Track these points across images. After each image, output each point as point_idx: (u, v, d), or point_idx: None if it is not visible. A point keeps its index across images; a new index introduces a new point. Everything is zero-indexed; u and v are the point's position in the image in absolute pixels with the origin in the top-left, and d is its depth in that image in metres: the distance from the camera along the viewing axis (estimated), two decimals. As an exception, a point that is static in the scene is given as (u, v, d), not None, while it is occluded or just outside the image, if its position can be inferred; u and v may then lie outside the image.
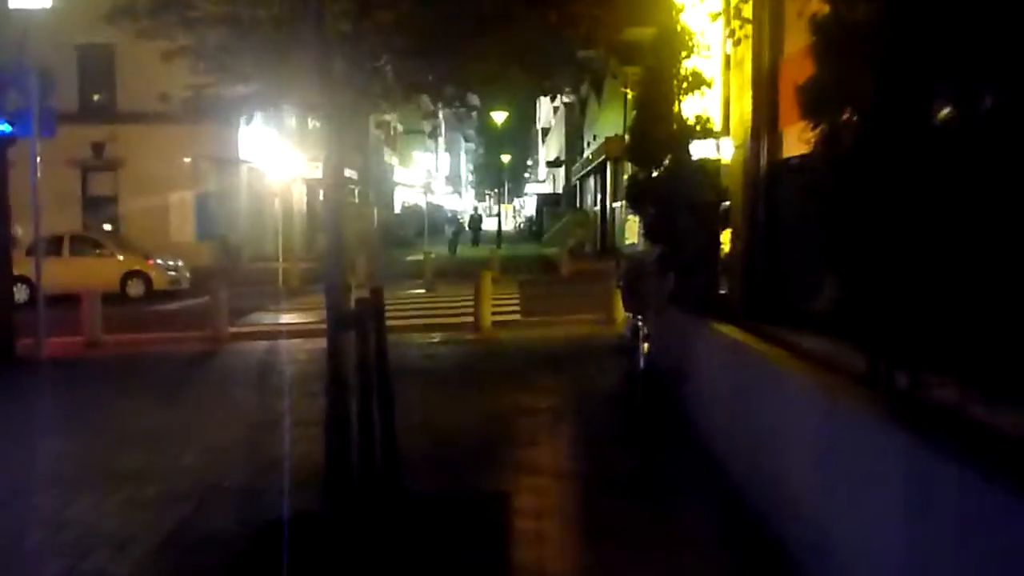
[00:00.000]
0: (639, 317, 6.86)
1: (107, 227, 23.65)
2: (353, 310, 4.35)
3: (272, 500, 4.98)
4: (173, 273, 20.59)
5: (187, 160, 23.76)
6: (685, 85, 7.70)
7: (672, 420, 6.40)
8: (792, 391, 4.18)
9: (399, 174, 62.12)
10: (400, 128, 66.36)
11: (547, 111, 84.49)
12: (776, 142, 6.51)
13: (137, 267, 20.10)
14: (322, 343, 10.17)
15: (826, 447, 3.67)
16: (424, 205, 63.44)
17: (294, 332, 12.56)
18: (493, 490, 5.18)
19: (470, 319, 11.96)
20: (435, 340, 11.04)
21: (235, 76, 5.75)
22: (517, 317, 13.42)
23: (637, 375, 6.55)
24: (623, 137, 24.40)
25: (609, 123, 26.83)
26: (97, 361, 10.81)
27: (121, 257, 20.22)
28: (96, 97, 23.76)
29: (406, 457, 5.45)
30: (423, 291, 19.49)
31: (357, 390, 4.19)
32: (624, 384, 7.34)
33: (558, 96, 68.46)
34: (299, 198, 34.07)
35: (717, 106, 8.28)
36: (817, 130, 3.90)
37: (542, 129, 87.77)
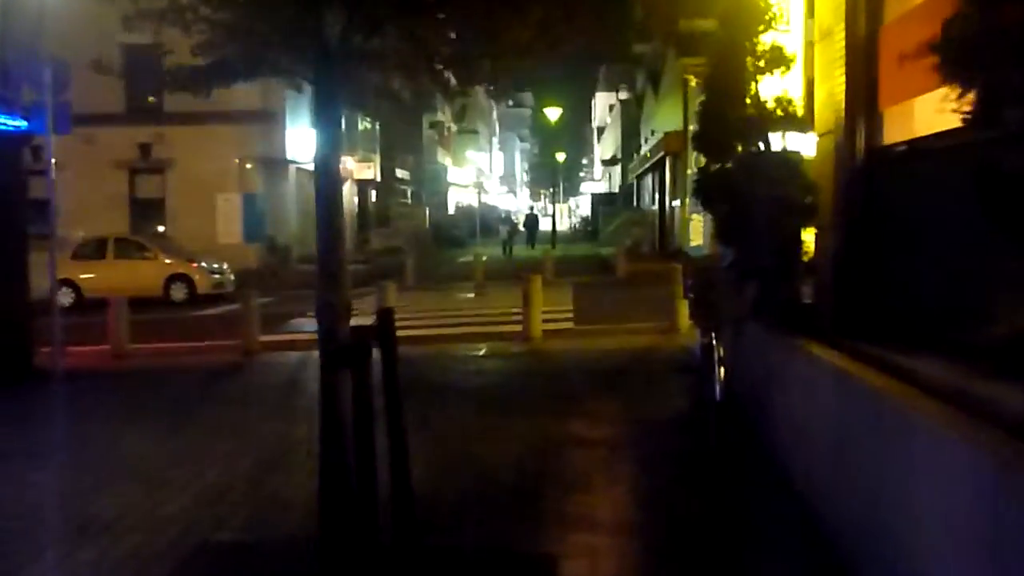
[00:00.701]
0: (712, 334, 5.78)
1: (161, 229, 23.32)
2: (349, 343, 3.41)
3: (269, 563, 4.09)
4: (218, 276, 20.08)
5: (235, 161, 23.27)
6: (762, 63, 6.62)
7: (755, 463, 5.31)
8: (934, 447, 3.12)
9: (453, 174, 61.52)
10: (454, 128, 65.80)
11: (602, 109, 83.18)
12: (875, 126, 5.38)
13: (180, 270, 19.64)
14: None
15: (993, 533, 2.61)
16: (477, 205, 62.96)
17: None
18: (535, 551, 4.20)
19: (519, 327, 10.99)
20: (480, 352, 10.09)
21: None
22: (570, 325, 12.39)
23: (711, 407, 5.47)
24: (682, 132, 23.20)
25: (667, 118, 25.63)
26: (118, 375, 10.12)
27: (166, 260, 19.78)
28: (147, 98, 23.36)
29: (432, 502, 4.51)
30: (472, 295, 18.60)
31: (355, 438, 3.25)
32: (694, 412, 6.29)
33: (614, 92, 67.05)
34: (350, 199, 33.52)
35: (798, 88, 7.19)
36: (965, 97, 2.86)
37: (597, 128, 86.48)
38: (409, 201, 44.01)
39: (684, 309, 10.51)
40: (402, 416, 3.63)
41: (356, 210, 34.61)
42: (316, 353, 10.64)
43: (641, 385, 7.81)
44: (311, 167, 15.64)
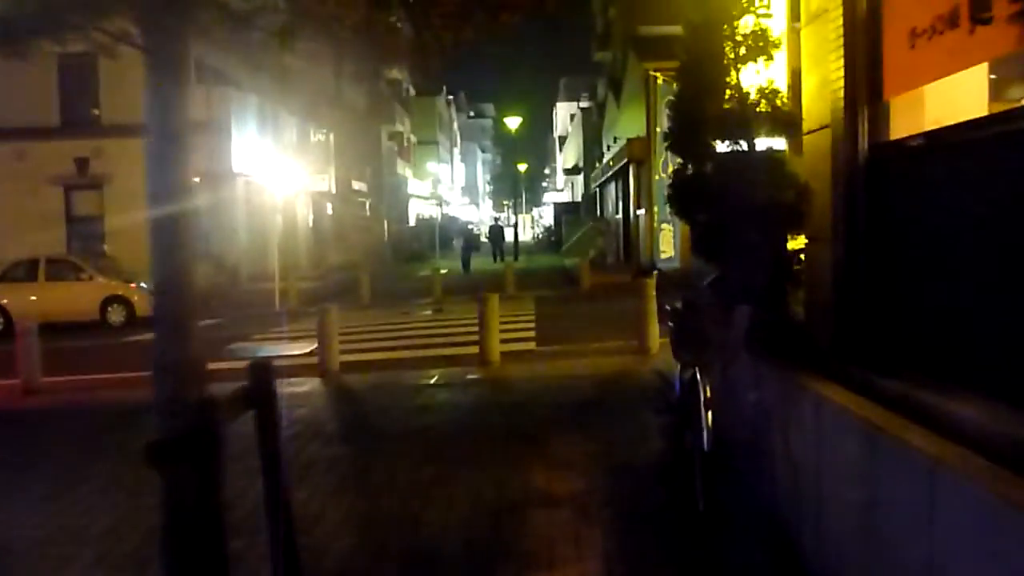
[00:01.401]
0: (696, 368, 4.84)
1: (105, 247, 21.98)
2: (196, 425, 2.41)
3: None
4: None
5: (177, 175, 22.01)
6: (743, 50, 5.75)
7: (753, 529, 4.36)
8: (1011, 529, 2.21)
9: (413, 186, 60.43)
10: (414, 139, 64.74)
11: (564, 119, 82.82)
12: (880, 119, 4.52)
13: (118, 292, 18.37)
14: (303, 386, 8.13)
15: None
16: (438, 217, 61.87)
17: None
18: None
19: (477, 348, 10.01)
20: (432, 381, 9.09)
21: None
22: (532, 346, 11.44)
23: (696, 458, 4.51)
24: (646, 138, 22.47)
25: (630, 124, 24.89)
26: (20, 414, 8.97)
27: (101, 281, 18.50)
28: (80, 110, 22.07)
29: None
30: (429, 312, 17.60)
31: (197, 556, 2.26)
32: (674, 460, 5.37)
33: (575, 102, 66.56)
34: (304, 212, 32.33)
35: (782, 80, 6.35)
36: None
37: (559, 137, 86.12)
38: (368, 214, 42.81)
39: (654, 327, 9.63)
40: (288, 513, 2.65)
41: (311, 224, 33.41)
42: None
43: (612, 422, 6.87)
44: (261, 181, 14.41)
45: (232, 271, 23.20)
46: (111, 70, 21.65)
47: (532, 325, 13.41)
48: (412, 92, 68.26)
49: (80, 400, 9.55)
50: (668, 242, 10.43)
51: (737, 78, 5.74)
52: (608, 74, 37.87)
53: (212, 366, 10.44)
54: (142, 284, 18.69)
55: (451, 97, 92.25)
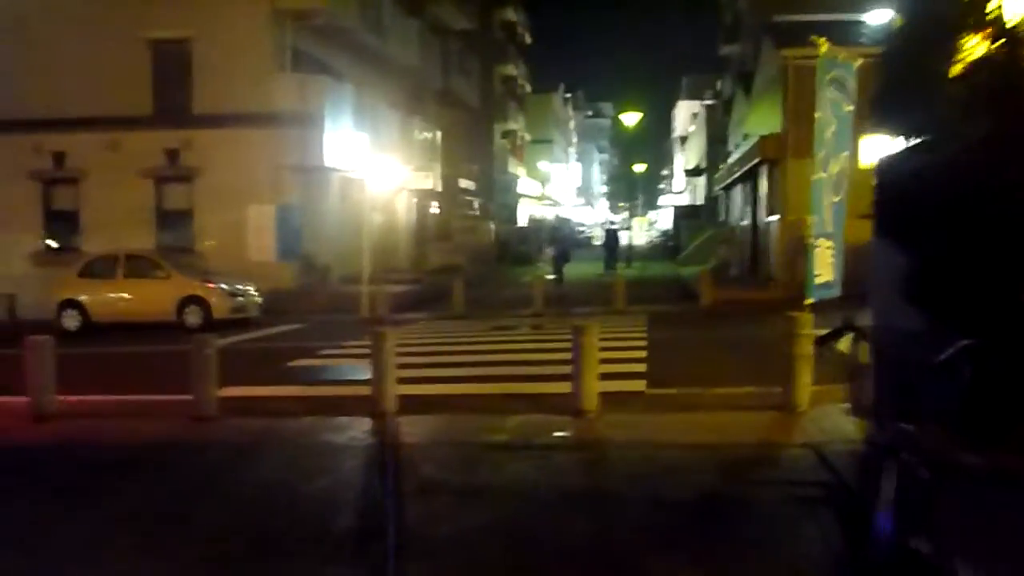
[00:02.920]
0: (896, 437, 2.56)
1: (208, 244, 20.97)
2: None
3: None
4: (240, 299, 17.51)
5: (269, 169, 20.81)
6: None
7: None
8: None
9: (525, 185, 58.63)
10: (528, 137, 62.95)
11: (685, 118, 79.38)
12: None
13: (195, 292, 17.11)
14: (342, 435, 6.18)
15: None
16: (552, 218, 59.76)
17: (322, 402, 8.81)
18: None
19: (571, 385, 7.80)
20: (502, 439, 6.96)
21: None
22: (642, 386, 9.15)
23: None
24: (782, 135, 19.74)
25: (762, 120, 22.13)
26: (15, 451, 7.39)
27: (179, 279, 17.30)
28: (172, 99, 21.10)
29: None
30: (526, 328, 15.52)
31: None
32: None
33: (697, 101, 63.18)
34: (407, 211, 30.89)
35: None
36: None
37: (679, 137, 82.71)
38: (477, 213, 41.16)
39: (805, 376, 7.23)
40: None
41: (414, 224, 31.95)
42: (298, 422, 7.75)
43: (751, 532, 4.58)
44: (359, 176, 12.53)
45: (323, 272, 21.80)
46: (205, 57, 20.66)
47: (643, 355, 11.09)
48: (528, 89, 66.58)
49: (93, 430, 7.93)
50: (826, 263, 7.95)
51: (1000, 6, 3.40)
52: (736, 69, 34.97)
53: (238, 392, 8.73)
54: (222, 284, 17.42)
55: (568, 95, 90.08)
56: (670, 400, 8.17)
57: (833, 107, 7.98)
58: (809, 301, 7.79)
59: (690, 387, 8.66)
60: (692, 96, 72.31)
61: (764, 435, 6.68)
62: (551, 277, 24.67)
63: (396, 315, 18.72)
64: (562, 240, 29.42)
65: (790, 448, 6.28)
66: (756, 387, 8.14)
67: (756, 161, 20.82)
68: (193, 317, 16.94)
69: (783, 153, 19.02)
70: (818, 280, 7.88)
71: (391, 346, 7.93)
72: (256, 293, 17.95)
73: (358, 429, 7.43)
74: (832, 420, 6.74)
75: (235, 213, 20.67)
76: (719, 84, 46.55)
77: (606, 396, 7.83)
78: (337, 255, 22.43)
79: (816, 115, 7.72)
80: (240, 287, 17.71)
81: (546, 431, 7.09)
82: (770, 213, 21.10)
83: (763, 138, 20.06)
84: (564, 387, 8.05)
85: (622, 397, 8.30)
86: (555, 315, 17.12)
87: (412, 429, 7.36)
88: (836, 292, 8.12)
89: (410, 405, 8.04)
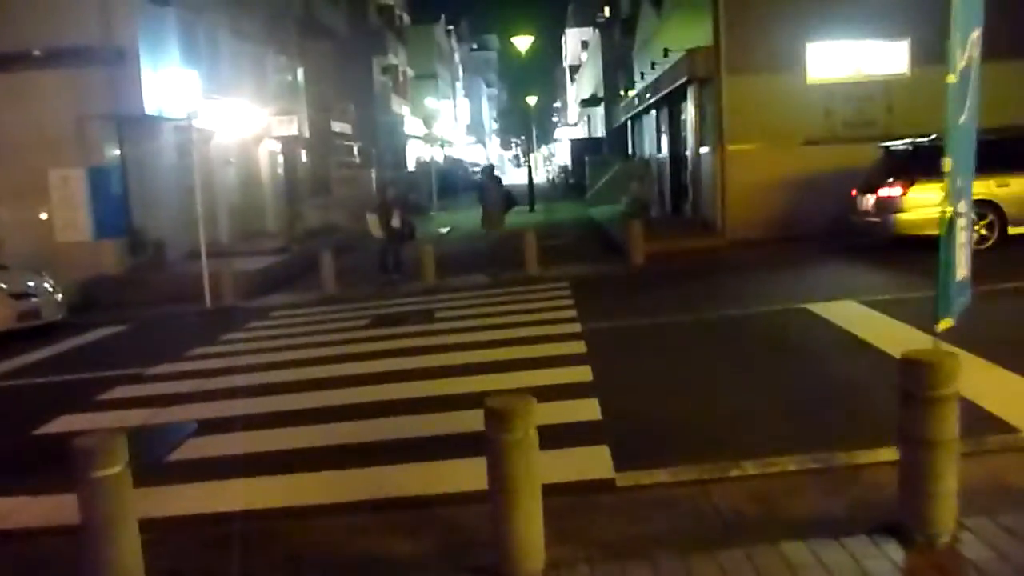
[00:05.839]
0: None
1: None
2: None
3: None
4: (33, 299, 12.98)
5: (73, 120, 16.07)
6: None
7: None
8: None
9: (411, 125, 53.87)
10: (411, 73, 57.83)
11: (574, 47, 75.33)
12: None
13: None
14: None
15: None
16: (441, 160, 55.31)
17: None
18: None
19: (482, 426, 4.00)
20: None
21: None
22: (607, 467, 5.29)
23: None
24: (714, 48, 16.25)
25: (683, 34, 18.55)
26: None
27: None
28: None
29: None
30: (411, 324, 11.41)
31: None
32: None
33: (588, 28, 59.08)
34: (270, 164, 26.21)
35: None
36: None
37: (570, 66, 78.65)
38: (358, 160, 36.53)
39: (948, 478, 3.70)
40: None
41: (282, 179, 27.30)
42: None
43: None
44: (197, 125, 7.32)
45: (155, 249, 17.28)
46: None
47: (586, 377, 7.25)
48: (407, 21, 61.15)
49: None
50: (961, 248, 4.22)
51: None
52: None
53: None
54: (1, 284, 12.87)
55: (451, 27, 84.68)
56: (649, 503, 4.50)
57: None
58: (946, 324, 4.23)
59: (686, 455, 5.04)
60: (580, 23, 68.17)
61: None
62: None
63: (248, 302, 14.56)
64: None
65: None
66: (795, 445, 4.60)
67: (682, 81, 17.27)
68: None
69: (716, 69, 15.54)
70: (959, 277, 4.29)
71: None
72: (53, 288, 13.43)
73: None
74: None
75: (32, 180, 15.92)
76: (607, 8, 42.76)
77: (548, 493, 4.05)
78: (178, 227, 17.92)
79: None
80: (31, 284, 13.18)
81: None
82: (701, 143, 17.70)
83: (690, 52, 16.48)
84: (474, 471, 4.23)
85: (577, 494, 4.65)
86: (452, 293, 13.35)
87: None
88: (969, 298, 4.59)
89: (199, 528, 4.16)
